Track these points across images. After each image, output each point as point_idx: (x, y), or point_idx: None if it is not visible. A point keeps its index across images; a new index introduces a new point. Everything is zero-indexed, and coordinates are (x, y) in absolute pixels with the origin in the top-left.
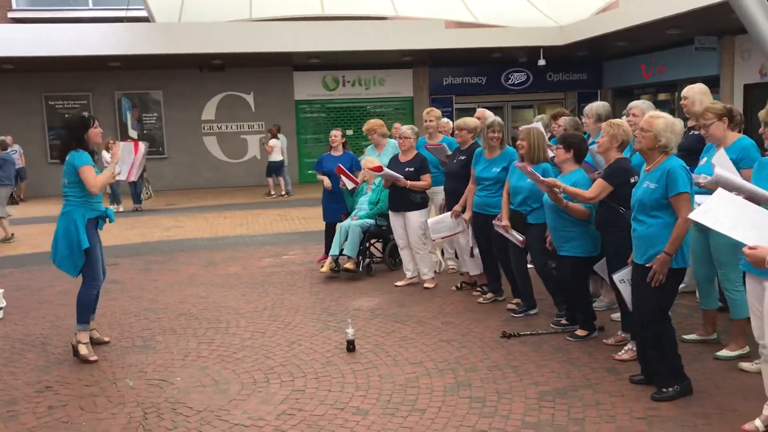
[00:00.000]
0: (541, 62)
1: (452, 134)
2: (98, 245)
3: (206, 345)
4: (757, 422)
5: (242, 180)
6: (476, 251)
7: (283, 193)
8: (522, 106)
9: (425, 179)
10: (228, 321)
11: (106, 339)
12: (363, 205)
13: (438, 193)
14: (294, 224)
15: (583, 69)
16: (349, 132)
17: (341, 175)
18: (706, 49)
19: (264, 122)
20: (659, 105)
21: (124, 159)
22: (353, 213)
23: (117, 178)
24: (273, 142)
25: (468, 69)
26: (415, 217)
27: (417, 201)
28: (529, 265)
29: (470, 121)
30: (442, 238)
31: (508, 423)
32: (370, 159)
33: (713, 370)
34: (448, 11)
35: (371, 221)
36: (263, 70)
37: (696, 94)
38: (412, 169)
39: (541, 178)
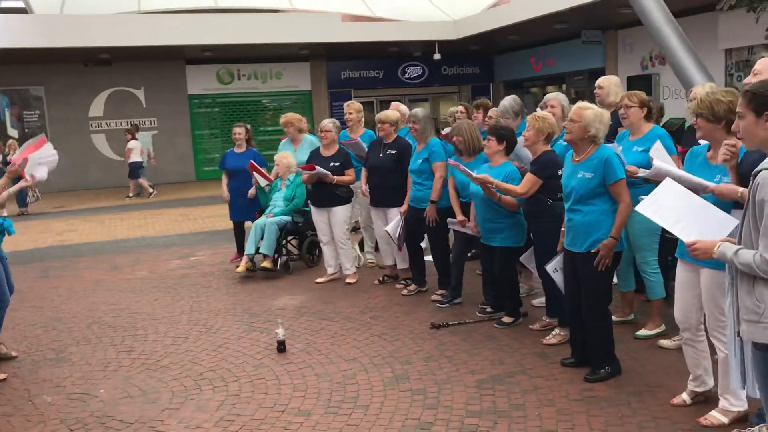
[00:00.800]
0: (436, 56)
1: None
2: None
3: (126, 354)
4: (684, 396)
5: None
6: (403, 245)
7: (152, 191)
8: (418, 99)
9: (350, 174)
10: (145, 327)
11: (14, 354)
12: (278, 201)
13: (357, 188)
14: (198, 224)
15: (476, 63)
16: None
17: (254, 172)
18: (591, 42)
19: (156, 118)
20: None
21: (36, 161)
22: (268, 210)
23: (35, 179)
24: (132, 143)
25: (365, 63)
26: (340, 212)
27: (343, 195)
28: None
29: (391, 114)
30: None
31: (453, 413)
32: (284, 154)
33: (635, 349)
34: (344, 5)
35: (287, 218)
36: (154, 64)
37: (612, 85)
38: (337, 164)
39: (474, 174)
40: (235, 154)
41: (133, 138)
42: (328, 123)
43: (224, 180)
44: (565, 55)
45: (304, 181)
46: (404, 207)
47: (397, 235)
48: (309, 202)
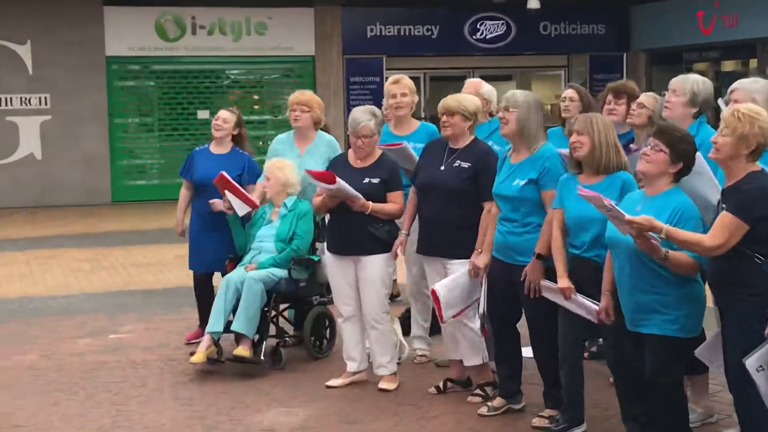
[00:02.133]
0: (533, 4)
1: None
2: None
3: None
4: None
5: (12, 195)
6: (487, 325)
7: None
8: (497, 76)
9: (395, 199)
10: None
11: None
12: (266, 242)
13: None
14: (118, 276)
15: (600, 18)
16: (203, 114)
17: (226, 191)
18: None
19: (49, 94)
20: (726, 78)
21: None
22: (247, 257)
23: None
24: None
25: (409, 13)
26: (377, 264)
27: (381, 236)
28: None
29: (467, 100)
30: (455, 315)
31: None
32: (279, 163)
33: None
34: None
35: (281, 272)
36: (50, 5)
37: None
38: (375, 181)
39: (627, 216)
40: (211, 154)
41: None
42: (361, 114)
43: (183, 196)
44: (760, 10)
45: (317, 207)
46: (484, 258)
47: (479, 308)
48: (317, 246)
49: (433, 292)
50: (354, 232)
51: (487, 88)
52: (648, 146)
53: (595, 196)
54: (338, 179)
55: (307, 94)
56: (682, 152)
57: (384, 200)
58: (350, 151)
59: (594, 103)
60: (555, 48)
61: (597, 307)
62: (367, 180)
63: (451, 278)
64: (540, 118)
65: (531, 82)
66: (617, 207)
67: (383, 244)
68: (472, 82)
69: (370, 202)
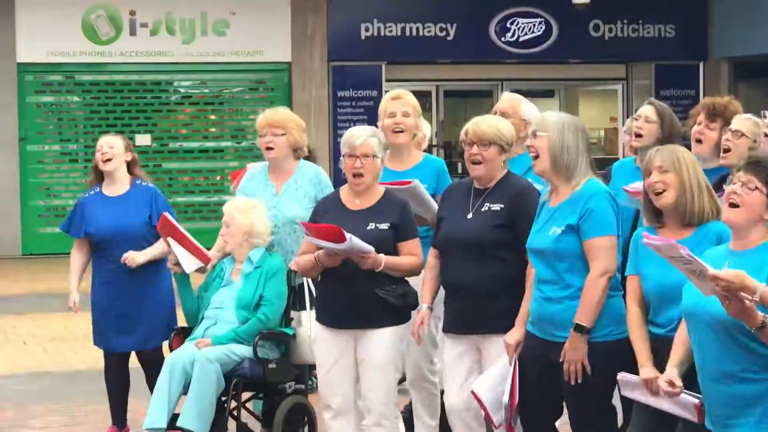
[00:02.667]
0: None
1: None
2: None
3: None
4: None
5: None
6: (517, 422)
7: None
8: (534, 90)
9: (412, 250)
10: None
11: None
12: (224, 309)
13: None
14: (27, 354)
15: (670, 16)
16: (144, 140)
17: (170, 240)
18: None
19: None
20: None
21: None
22: (199, 329)
23: None
24: None
25: (416, 7)
26: (386, 340)
27: (394, 302)
28: None
29: (505, 126)
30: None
31: None
32: (244, 204)
33: None
34: None
35: (243, 350)
36: None
37: None
38: (384, 227)
39: (712, 270)
40: (106, 198)
41: None
42: (361, 129)
43: (75, 260)
44: None
45: (305, 270)
46: (516, 335)
47: (504, 399)
48: (293, 315)
49: (474, 394)
50: (356, 297)
51: (530, 107)
52: (736, 183)
53: (667, 245)
54: (349, 235)
55: (281, 113)
56: None
57: (395, 252)
58: (343, 189)
59: (680, 132)
60: (610, 55)
61: (697, 401)
62: (372, 225)
63: (495, 370)
64: (580, 143)
65: (578, 99)
66: (698, 258)
67: (396, 313)
68: (512, 99)
69: (383, 256)
